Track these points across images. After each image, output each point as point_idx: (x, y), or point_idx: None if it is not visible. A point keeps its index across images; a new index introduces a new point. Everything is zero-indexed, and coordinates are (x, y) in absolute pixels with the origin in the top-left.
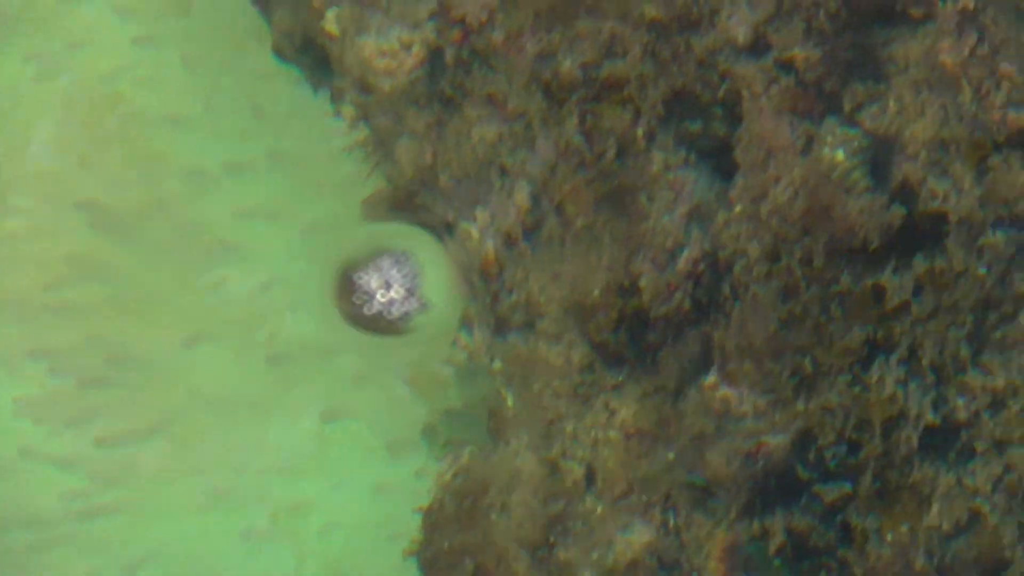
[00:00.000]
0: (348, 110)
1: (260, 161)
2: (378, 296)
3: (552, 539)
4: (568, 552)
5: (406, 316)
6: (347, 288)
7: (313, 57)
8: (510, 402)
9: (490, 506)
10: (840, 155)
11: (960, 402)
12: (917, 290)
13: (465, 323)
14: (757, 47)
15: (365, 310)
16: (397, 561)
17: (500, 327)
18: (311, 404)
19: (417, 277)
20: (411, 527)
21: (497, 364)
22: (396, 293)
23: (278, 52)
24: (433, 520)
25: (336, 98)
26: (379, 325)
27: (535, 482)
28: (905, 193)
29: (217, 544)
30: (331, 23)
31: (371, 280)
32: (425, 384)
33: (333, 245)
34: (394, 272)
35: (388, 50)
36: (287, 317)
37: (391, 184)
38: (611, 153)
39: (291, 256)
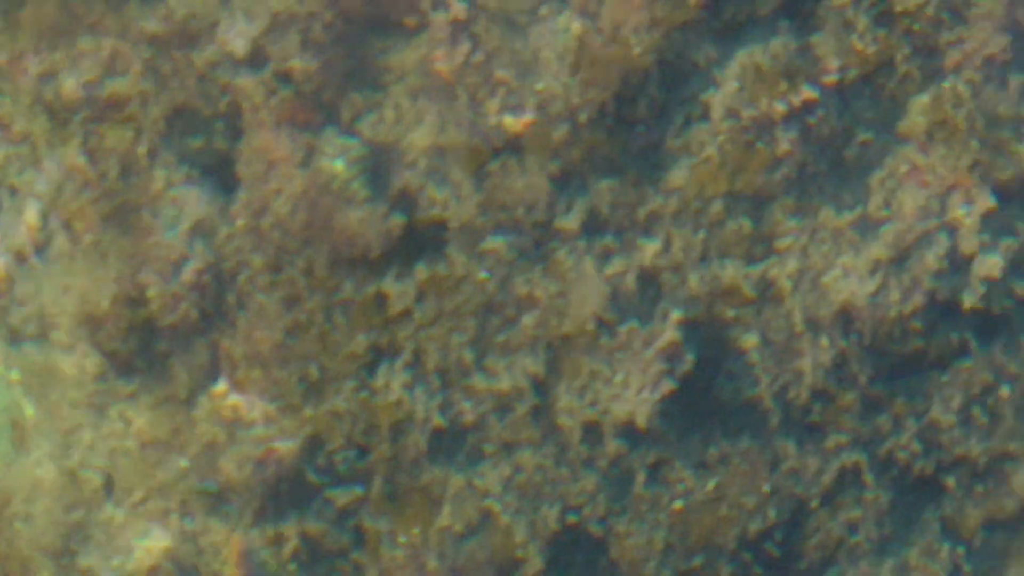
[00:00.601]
0: None
1: None
2: None
3: (74, 547)
4: (90, 559)
5: None
6: None
7: None
8: (29, 412)
9: (14, 515)
10: (339, 166)
11: (467, 405)
12: (420, 296)
13: None
14: (255, 60)
15: None
16: None
17: (14, 337)
18: None
19: None
20: None
21: (15, 374)
22: None
23: None
24: None
25: None
26: None
27: (56, 491)
28: (405, 201)
29: None
30: None
31: None
32: None
33: None
34: None
35: None
36: None
37: None
38: (114, 172)
39: None
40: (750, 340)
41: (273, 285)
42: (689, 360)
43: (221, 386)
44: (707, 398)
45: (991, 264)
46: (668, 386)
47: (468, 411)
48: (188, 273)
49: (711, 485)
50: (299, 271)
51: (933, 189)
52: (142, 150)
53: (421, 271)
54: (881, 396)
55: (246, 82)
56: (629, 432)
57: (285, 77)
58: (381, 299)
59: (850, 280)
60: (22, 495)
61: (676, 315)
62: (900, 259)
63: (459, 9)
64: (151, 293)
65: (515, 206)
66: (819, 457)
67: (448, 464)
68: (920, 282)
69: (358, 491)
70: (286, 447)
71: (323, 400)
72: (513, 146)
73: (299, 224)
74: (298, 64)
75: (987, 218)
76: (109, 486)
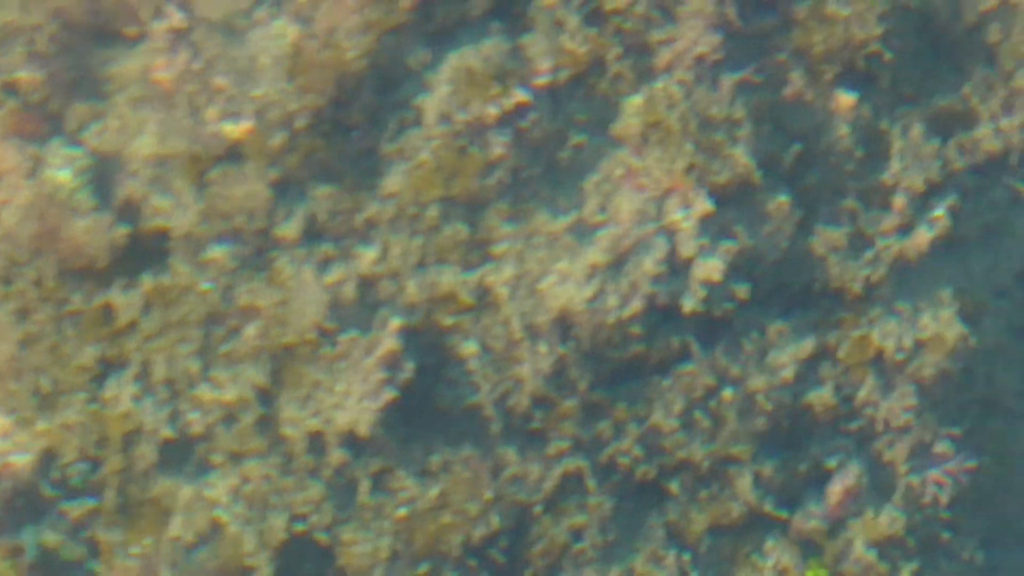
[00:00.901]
0: None
1: None
2: None
3: None
4: None
5: None
6: None
7: None
8: None
9: None
10: (66, 176)
11: (195, 416)
12: (146, 307)
13: None
14: None
15: None
16: None
17: None
18: None
19: None
20: None
21: None
22: None
23: None
24: None
25: None
26: None
27: None
28: (130, 211)
29: None
30: None
31: None
32: None
33: None
34: None
35: None
36: None
37: None
38: None
39: None
40: (469, 347)
41: (5, 298)
42: (409, 368)
43: None
44: (428, 406)
45: (711, 267)
46: (389, 394)
47: (196, 422)
48: None
49: (434, 492)
50: (29, 283)
51: (650, 193)
52: None
53: (147, 282)
54: (602, 402)
55: None
56: (352, 441)
57: (11, 89)
58: (109, 310)
59: (567, 286)
60: None
61: (395, 323)
62: (618, 264)
63: (178, 18)
64: None
65: (236, 214)
66: (541, 464)
67: (178, 475)
68: (639, 287)
69: (91, 503)
70: (21, 461)
71: (56, 413)
72: (233, 153)
73: (27, 235)
74: (24, 75)
75: (705, 221)
76: None
